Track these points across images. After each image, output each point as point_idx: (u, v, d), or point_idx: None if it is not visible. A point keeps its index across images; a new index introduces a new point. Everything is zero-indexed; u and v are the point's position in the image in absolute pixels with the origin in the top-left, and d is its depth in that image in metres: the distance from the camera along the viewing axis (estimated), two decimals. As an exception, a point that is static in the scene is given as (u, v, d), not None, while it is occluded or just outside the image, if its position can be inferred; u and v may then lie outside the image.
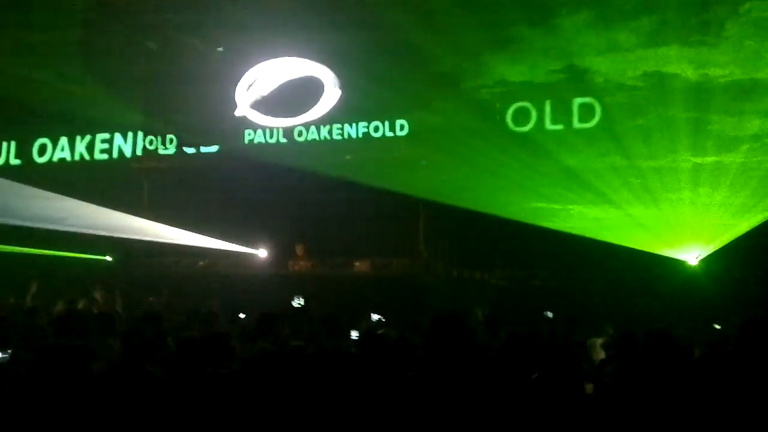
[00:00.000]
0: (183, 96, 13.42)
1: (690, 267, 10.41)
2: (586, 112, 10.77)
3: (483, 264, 12.41)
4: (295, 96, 12.86)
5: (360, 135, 12.26)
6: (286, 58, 13.04)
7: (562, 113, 10.95)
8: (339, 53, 12.40)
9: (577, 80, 10.88)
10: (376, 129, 12.08)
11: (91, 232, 12.42)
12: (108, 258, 13.46)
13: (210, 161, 13.26)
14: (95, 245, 12.95)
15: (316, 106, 12.62)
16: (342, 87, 12.50)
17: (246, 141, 12.99)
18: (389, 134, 12.00)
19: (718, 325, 7.42)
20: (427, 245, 11.93)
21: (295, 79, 12.97)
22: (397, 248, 12.05)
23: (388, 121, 12.00)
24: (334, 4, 12.12)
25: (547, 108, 11.04)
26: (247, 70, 13.19)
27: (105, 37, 13.39)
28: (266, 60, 13.14)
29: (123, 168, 13.85)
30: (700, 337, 6.19)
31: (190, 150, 13.35)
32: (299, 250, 12.71)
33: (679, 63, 10.17)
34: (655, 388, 3.69)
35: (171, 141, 13.52)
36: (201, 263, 13.13)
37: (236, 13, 12.51)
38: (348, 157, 12.48)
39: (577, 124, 10.79)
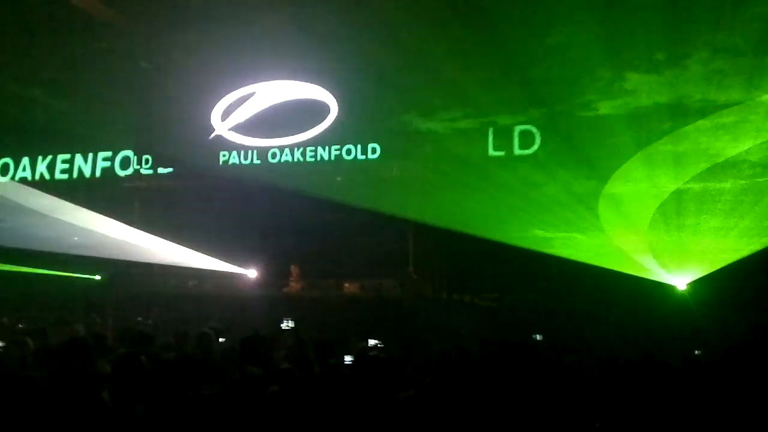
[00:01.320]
0: (165, 115, 13.45)
1: (678, 292, 10.51)
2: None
3: (472, 286, 12.48)
4: (285, 117, 12.96)
5: (350, 156, 12.33)
6: (278, 81, 13.20)
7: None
8: (332, 74, 12.52)
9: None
10: (365, 151, 12.15)
11: (81, 252, 12.43)
12: (97, 277, 13.41)
13: (200, 181, 13.28)
14: (85, 264, 12.94)
15: (312, 128, 12.75)
16: (334, 108, 12.63)
17: (221, 161, 13.04)
18: (372, 156, 12.10)
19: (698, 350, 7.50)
20: (416, 267, 11.98)
21: (285, 101, 13.09)
22: (386, 270, 12.11)
23: (378, 143, 12.06)
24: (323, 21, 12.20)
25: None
26: (229, 91, 13.33)
27: (96, 55, 13.38)
28: (250, 81, 13.29)
29: (114, 186, 13.86)
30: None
31: (166, 170, 13.30)
32: (294, 270, 12.73)
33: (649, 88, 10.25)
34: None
35: (147, 161, 13.48)
36: (191, 283, 13.10)
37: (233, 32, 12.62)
38: (339, 179, 12.57)
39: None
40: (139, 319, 10.40)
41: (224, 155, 12.98)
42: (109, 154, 13.59)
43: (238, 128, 13.15)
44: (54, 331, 7.32)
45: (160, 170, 13.22)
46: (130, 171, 13.37)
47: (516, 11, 10.37)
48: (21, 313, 10.24)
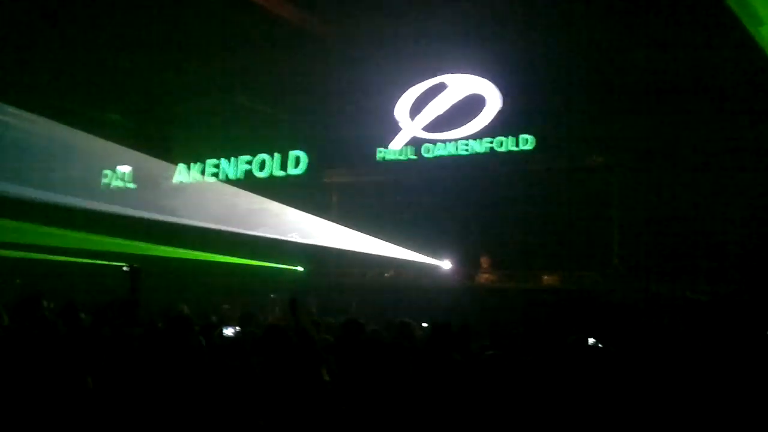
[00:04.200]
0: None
1: None
2: None
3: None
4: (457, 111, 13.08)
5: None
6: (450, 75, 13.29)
7: None
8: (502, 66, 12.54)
9: None
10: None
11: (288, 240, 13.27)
12: (300, 268, 14.14)
13: (397, 174, 13.63)
14: (289, 255, 13.73)
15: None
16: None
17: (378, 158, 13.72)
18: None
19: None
20: (621, 258, 11.30)
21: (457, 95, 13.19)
22: (587, 261, 11.56)
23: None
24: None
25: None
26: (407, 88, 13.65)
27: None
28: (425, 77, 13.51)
29: (314, 182, 14.66)
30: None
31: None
32: (484, 262, 12.58)
33: None
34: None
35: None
36: (387, 274, 13.40)
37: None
38: (535, 168, 12.35)
39: None
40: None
41: (381, 151, 13.59)
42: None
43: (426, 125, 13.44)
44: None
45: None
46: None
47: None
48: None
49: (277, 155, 15.04)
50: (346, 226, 13.52)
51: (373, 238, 12.94)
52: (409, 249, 12.82)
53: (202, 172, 15.82)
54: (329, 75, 14.13)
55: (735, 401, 3.57)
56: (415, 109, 13.61)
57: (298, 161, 14.86)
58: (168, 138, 16.49)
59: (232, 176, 15.50)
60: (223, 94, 15.41)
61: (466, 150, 12.90)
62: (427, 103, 13.50)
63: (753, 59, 9.94)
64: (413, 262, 12.88)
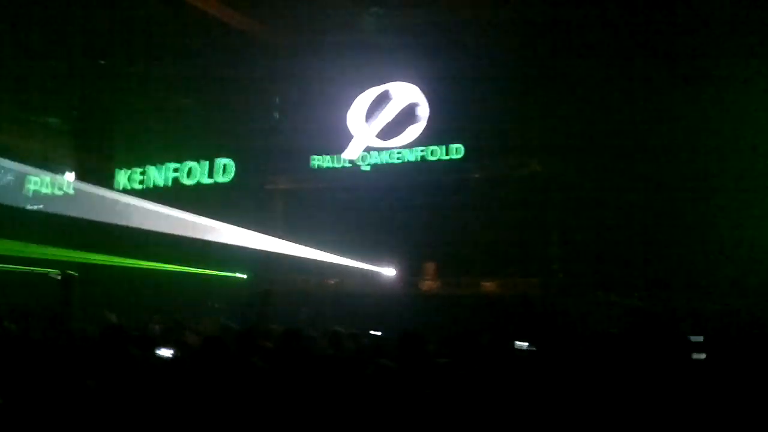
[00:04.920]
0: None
1: None
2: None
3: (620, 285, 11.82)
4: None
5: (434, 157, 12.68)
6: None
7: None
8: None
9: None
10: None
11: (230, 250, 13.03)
12: (244, 276, 13.96)
13: (339, 181, 13.62)
14: (232, 263, 13.53)
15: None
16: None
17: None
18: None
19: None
20: (560, 264, 11.53)
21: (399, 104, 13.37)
22: (527, 267, 11.76)
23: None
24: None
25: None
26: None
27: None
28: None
29: (255, 189, 14.52)
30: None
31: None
32: (428, 268, 12.66)
33: None
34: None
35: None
36: (332, 282, 13.35)
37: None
38: (476, 175, 12.50)
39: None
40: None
41: (314, 159, 13.67)
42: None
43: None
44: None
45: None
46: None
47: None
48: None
49: (204, 162, 14.91)
50: (290, 233, 13.41)
51: (316, 245, 12.85)
52: (354, 257, 12.81)
53: (128, 179, 15.51)
54: (271, 82, 14.06)
55: (658, 406, 3.65)
56: (366, 117, 13.66)
57: (225, 169, 14.75)
58: (108, 143, 16.11)
59: (159, 183, 15.29)
60: (162, 99, 15.13)
61: (399, 159, 13.08)
62: (375, 112, 13.54)
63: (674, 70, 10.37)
64: (358, 269, 12.86)
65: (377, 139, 13.48)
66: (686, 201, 10.61)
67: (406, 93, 13.35)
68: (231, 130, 14.39)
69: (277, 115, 14.42)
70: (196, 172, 14.97)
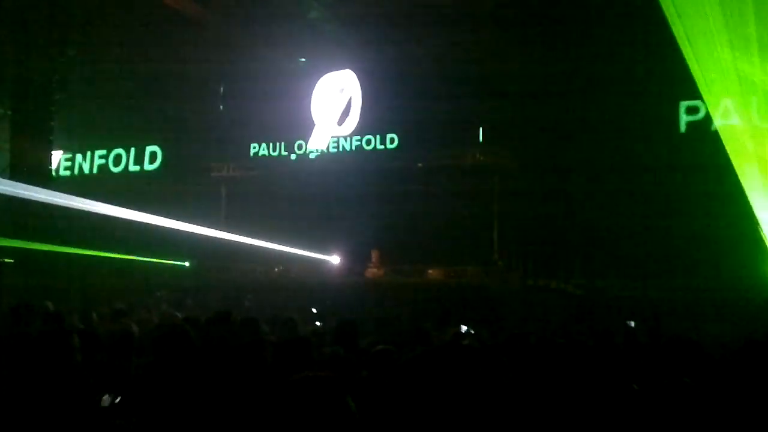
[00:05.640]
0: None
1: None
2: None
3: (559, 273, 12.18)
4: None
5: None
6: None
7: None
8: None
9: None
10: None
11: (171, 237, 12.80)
12: (186, 264, 13.77)
13: (281, 169, 13.59)
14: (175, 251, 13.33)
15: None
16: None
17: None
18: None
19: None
20: (501, 254, 11.81)
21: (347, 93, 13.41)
22: (470, 256, 11.99)
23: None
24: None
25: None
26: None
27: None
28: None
29: (202, 176, 14.32)
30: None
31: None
32: (374, 256, 12.77)
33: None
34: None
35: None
36: (276, 269, 13.32)
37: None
38: (420, 165, 12.63)
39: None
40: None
41: (254, 147, 13.67)
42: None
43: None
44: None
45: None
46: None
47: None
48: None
49: (132, 150, 14.70)
50: (234, 221, 13.32)
51: (261, 233, 12.79)
52: (299, 245, 12.81)
53: (57, 168, 15.11)
54: (214, 70, 13.88)
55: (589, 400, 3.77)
56: (315, 106, 13.64)
57: (155, 157, 14.53)
58: (46, 126, 15.57)
59: (86, 171, 14.98)
60: (103, 86, 14.72)
61: (335, 148, 13.13)
62: (321, 100, 13.52)
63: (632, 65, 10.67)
64: (303, 256, 12.88)
65: (329, 127, 13.46)
66: (622, 189, 10.96)
67: (347, 82, 13.36)
68: (174, 117, 14.13)
69: (221, 106, 14.14)
70: (122, 160, 14.69)
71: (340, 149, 13.15)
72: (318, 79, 13.69)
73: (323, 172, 13.24)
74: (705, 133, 10.31)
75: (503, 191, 11.79)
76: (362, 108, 13.12)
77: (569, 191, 11.25)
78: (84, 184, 14.25)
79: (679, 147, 10.81)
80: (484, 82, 11.67)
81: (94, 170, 14.88)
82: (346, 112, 13.34)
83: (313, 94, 13.71)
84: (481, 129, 12.06)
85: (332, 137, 13.29)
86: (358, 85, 13.25)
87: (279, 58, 13.29)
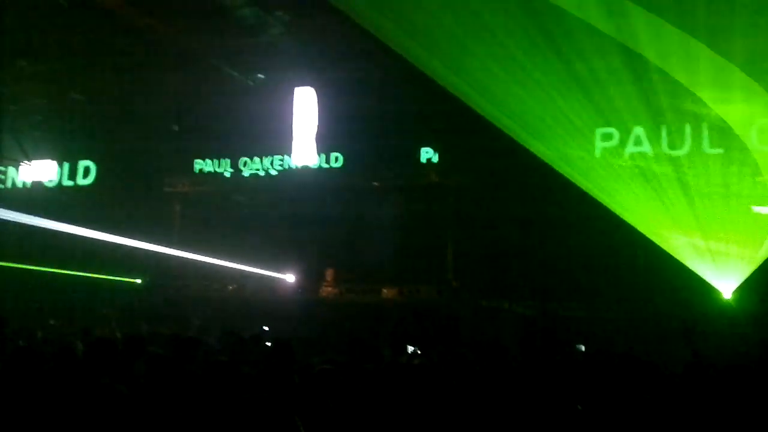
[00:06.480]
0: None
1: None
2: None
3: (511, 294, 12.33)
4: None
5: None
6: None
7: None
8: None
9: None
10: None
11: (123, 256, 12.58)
12: (138, 281, 13.55)
13: (232, 185, 13.53)
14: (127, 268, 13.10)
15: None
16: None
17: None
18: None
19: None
20: (455, 274, 11.93)
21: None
22: (425, 276, 12.09)
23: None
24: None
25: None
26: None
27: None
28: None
29: (155, 191, 14.11)
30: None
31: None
32: (329, 275, 12.76)
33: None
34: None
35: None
36: (230, 287, 13.21)
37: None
38: (375, 184, 12.71)
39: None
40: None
41: (198, 163, 13.57)
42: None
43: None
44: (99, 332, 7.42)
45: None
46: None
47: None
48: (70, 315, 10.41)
49: (66, 164, 14.48)
50: (188, 237, 13.16)
51: (215, 251, 12.67)
52: (253, 263, 12.72)
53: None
54: (169, 82, 13.73)
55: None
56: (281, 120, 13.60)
57: (87, 171, 14.37)
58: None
59: (19, 185, 14.75)
60: (55, 95, 14.43)
61: (281, 166, 13.15)
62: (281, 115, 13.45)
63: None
64: (257, 274, 12.80)
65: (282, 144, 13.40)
66: (576, 213, 11.14)
67: (302, 99, 13.36)
68: (129, 130, 13.89)
69: (176, 127, 13.95)
70: (58, 174, 14.51)
71: (285, 167, 13.07)
72: (275, 96, 13.60)
73: (275, 188, 13.16)
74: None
75: (458, 212, 11.90)
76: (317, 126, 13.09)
77: (525, 214, 11.38)
78: (19, 198, 14.00)
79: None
80: (440, 102, 11.69)
81: (28, 184, 14.57)
82: (299, 129, 13.28)
83: (270, 110, 13.61)
84: (436, 152, 12.12)
85: (280, 156, 13.18)
86: (315, 102, 13.23)
87: (233, 74, 13.19)
